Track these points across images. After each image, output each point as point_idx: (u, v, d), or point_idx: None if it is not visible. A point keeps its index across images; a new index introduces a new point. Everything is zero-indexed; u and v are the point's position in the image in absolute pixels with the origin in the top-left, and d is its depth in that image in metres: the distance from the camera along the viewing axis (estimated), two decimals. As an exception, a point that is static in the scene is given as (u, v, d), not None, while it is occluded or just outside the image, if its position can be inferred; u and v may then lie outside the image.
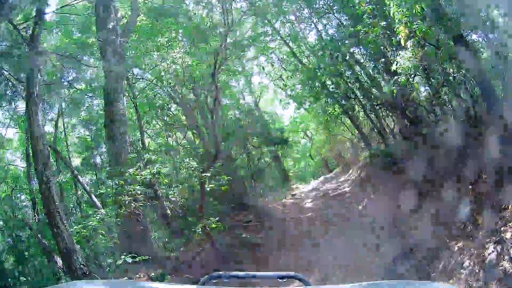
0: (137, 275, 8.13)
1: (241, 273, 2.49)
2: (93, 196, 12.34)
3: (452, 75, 8.73)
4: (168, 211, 11.90)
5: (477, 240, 5.83)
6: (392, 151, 10.71)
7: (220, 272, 2.43)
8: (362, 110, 14.52)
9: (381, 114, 13.60)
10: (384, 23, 8.63)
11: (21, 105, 11.38)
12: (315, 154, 32.22)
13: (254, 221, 12.56)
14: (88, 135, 16.50)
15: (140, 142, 13.99)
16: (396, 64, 7.90)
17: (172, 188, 11.51)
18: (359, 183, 14.32)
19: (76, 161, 16.47)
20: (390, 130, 13.43)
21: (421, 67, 8.49)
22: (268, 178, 19.45)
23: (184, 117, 16.30)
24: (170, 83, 13.72)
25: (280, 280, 2.26)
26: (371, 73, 13.16)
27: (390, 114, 13.24)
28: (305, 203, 15.22)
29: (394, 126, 13.65)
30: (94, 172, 16.21)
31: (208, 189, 9.32)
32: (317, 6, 14.34)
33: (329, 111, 20.03)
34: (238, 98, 20.87)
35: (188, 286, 3.18)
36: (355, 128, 17.51)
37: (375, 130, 13.55)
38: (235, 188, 14.30)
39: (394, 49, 9.38)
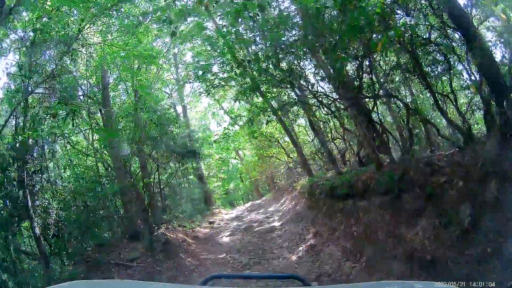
0: None
1: (241, 274, 3.21)
2: None
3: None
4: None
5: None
6: (345, 182, 7.70)
7: (220, 273, 2.88)
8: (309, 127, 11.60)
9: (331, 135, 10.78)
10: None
11: None
12: (246, 177, 29.11)
13: (143, 260, 8.61)
14: None
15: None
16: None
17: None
18: (293, 218, 11.21)
19: None
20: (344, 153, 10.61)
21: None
22: (184, 200, 15.48)
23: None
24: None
25: (280, 280, 2.68)
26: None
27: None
28: (221, 237, 11.64)
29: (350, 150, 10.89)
30: None
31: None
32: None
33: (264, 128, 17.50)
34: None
35: (188, 286, 3.50)
36: (295, 150, 14.76)
37: (322, 153, 10.61)
38: (130, 211, 10.27)
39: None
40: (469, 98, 7.86)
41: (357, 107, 7.63)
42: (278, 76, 8.24)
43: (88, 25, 9.40)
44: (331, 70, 7.51)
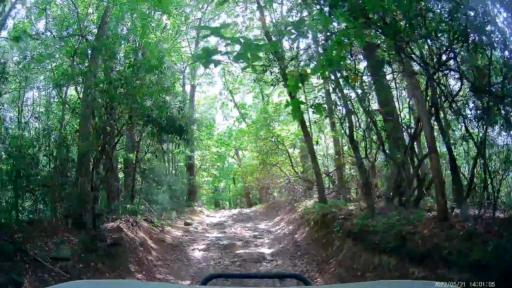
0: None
1: (241, 273, 3.19)
2: None
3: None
4: None
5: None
6: (389, 228, 5.10)
7: (221, 272, 2.97)
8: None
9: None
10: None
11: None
12: (239, 179, 26.49)
13: (73, 264, 5.96)
14: None
15: None
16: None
17: None
18: (289, 249, 8.56)
19: None
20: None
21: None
22: (163, 189, 12.82)
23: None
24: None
25: (280, 280, 2.55)
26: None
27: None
28: (193, 249, 9.01)
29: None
30: None
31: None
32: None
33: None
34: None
35: (188, 286, 3.67)
36: (308, 165, 12.13)
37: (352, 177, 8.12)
38: (83, 187, 7.61)
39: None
40: None
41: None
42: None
43: None
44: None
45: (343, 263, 5.92)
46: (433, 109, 6.08)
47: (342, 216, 7.18)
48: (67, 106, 9.03)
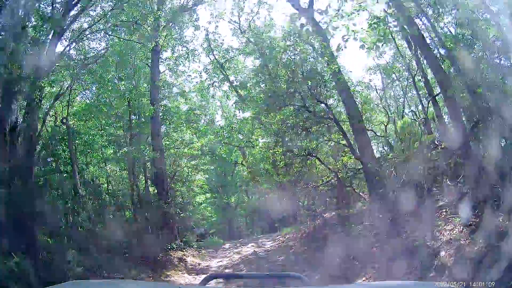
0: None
1: (241, 273, 3.05)
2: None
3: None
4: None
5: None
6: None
7: (221, 272, 3.29)
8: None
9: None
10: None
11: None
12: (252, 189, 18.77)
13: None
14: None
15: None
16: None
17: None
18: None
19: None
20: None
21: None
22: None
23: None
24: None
25: (280, 280, 2.43)
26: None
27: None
28: None
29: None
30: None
31: None
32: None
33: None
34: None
35: (188, 286, 3.63)
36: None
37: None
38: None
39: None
40: None
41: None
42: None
43: None
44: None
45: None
46: None
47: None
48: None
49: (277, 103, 9.08)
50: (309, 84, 8.99)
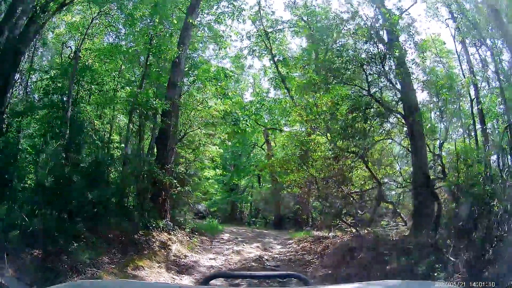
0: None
1: (242, 273, 3.02)
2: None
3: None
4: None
5: None
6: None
7: (221, 272, 3.06)
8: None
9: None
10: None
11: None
12: (265, 178, 16.82)
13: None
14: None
15: None
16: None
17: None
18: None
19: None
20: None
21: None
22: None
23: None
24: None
25: (280, 280, 2.50)
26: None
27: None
28: None
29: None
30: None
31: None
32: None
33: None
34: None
35: (188, 286, 3.70)
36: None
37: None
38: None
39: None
40: None
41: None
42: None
43: None
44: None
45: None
46: None
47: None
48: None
49: (330, 77, 6.94)
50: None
